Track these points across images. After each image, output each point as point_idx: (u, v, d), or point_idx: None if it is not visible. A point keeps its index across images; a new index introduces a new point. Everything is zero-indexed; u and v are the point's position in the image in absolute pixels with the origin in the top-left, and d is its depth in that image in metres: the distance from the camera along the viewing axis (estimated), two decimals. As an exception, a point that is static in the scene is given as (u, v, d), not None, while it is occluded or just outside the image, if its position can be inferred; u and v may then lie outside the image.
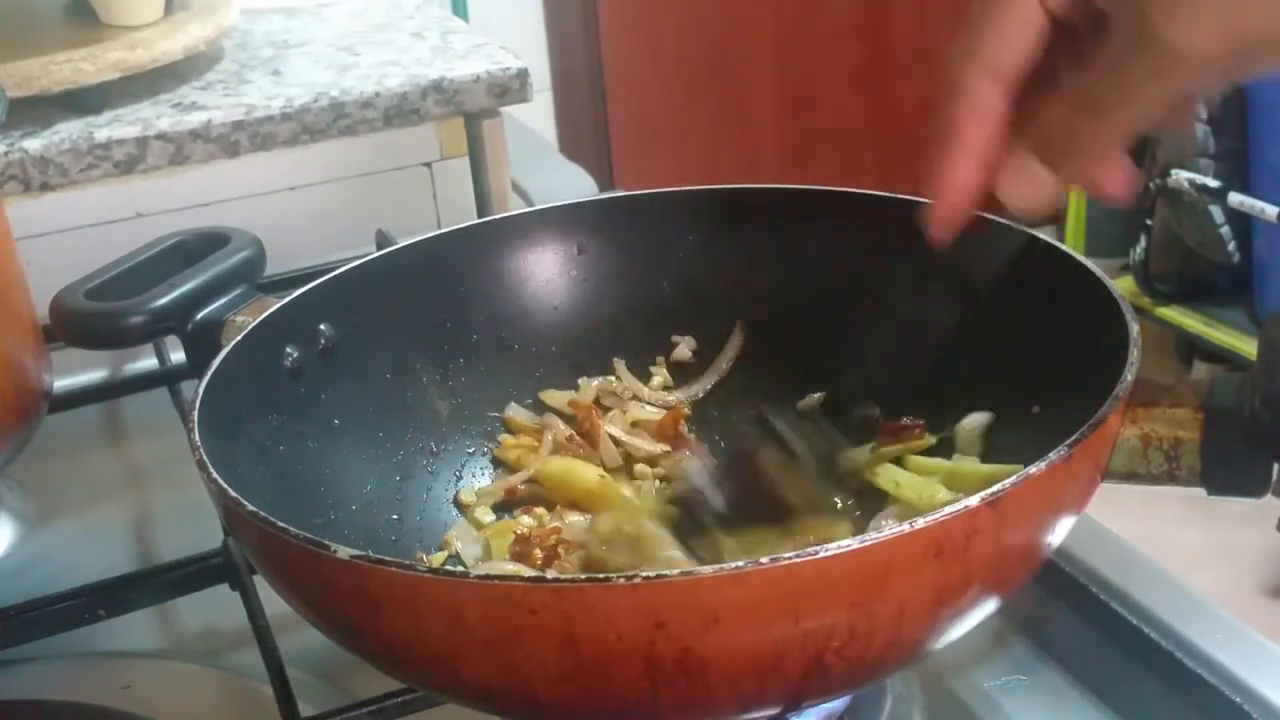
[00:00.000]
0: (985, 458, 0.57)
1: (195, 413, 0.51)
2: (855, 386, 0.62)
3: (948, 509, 0.39)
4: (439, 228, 0.66)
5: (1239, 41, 0.40)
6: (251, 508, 0.44)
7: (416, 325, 0.64)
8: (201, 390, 0.52)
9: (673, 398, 0.65)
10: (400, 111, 0.99)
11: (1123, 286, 2.36)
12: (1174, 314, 2.47)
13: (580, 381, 0.65)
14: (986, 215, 0.58)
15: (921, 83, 2.79)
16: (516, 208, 0.92)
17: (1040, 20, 0.44)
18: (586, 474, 0.61)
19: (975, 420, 0.57)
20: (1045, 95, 0.45)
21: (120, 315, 0.63)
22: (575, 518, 0.60)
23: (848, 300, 0.63)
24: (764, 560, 0.38)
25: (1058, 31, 0.45)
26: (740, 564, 0.38)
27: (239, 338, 0.57)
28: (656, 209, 0.66)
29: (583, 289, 0.66)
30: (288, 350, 0.59)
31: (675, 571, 0.38)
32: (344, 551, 0.41)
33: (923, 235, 0.49)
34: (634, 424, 0.64)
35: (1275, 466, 0.46)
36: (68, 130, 0.92)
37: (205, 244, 0.67)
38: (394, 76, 1.00)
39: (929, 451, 0.59)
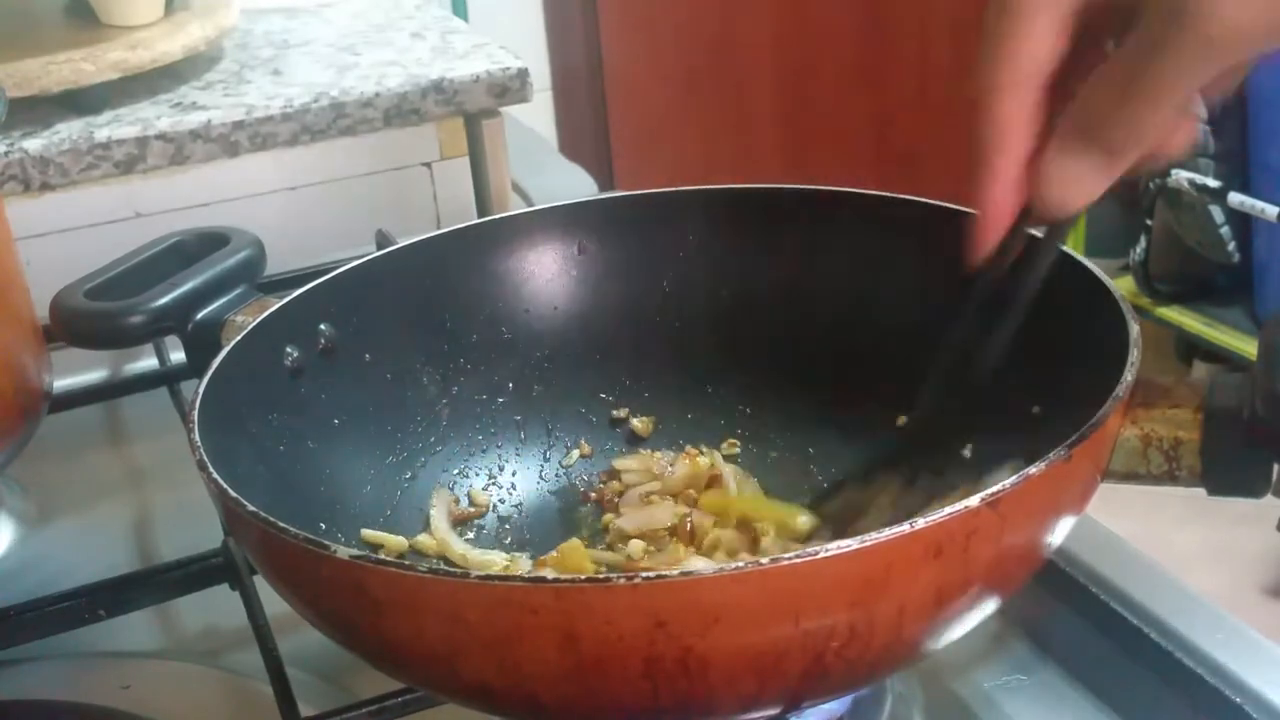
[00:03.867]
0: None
1: (195, 412, 0.51)
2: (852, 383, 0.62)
3: (947, 509, 0.39)
4: (439, 228, 0.66)
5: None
6: (252, 508, 0.44)
7: (416, 325, 0.64)
8: (201, 390, 0.52)
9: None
10: (400, 111, 0.99)
11: (1123, 286, 2.36)
12: (1174, 314, 2.47)
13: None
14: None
15: (921, 82, 2.79)
16: (516, 208, 0.92)
17: (1065, 20, 0.43)
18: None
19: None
20: (1077, 86, 0.44)
21: (120, 315, 0.63)
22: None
23: (847, 299, 0.63)
24: (764, 560, 0.38)
25: (1080, 27, 0.44)
26: (740, 564, 0.38)
27: (239, 338, 0.57)
28: (656, 209, 0.66)
29: (583, 289, 0.66)
30: (288, 350, 0.59)
31: (675, 571, 0.38)
32: (344, 551, 0.41)
33: (922, 235, 0.50)
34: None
35: (1275, 467, 0.46)
36: (68, 130, 0.92)
37: (205, 244, 0.67)
38: (394, 76, 1.00)
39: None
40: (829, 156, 2.83)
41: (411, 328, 0.63)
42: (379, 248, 0.72)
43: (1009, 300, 0.50)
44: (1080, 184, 0.45)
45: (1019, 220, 0.47)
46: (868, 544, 0.38)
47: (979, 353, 0.51)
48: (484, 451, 0.64)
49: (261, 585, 0.55)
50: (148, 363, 0.84)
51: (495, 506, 0.63)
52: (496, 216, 0.67)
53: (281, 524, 0.43)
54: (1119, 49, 0.42)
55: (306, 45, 1.10)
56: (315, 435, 0.58)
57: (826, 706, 0.51)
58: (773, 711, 0.43)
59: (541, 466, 0.65)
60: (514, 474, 0.65)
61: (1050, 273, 0.50)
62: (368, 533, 0.58)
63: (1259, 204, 2.22)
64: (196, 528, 0.64)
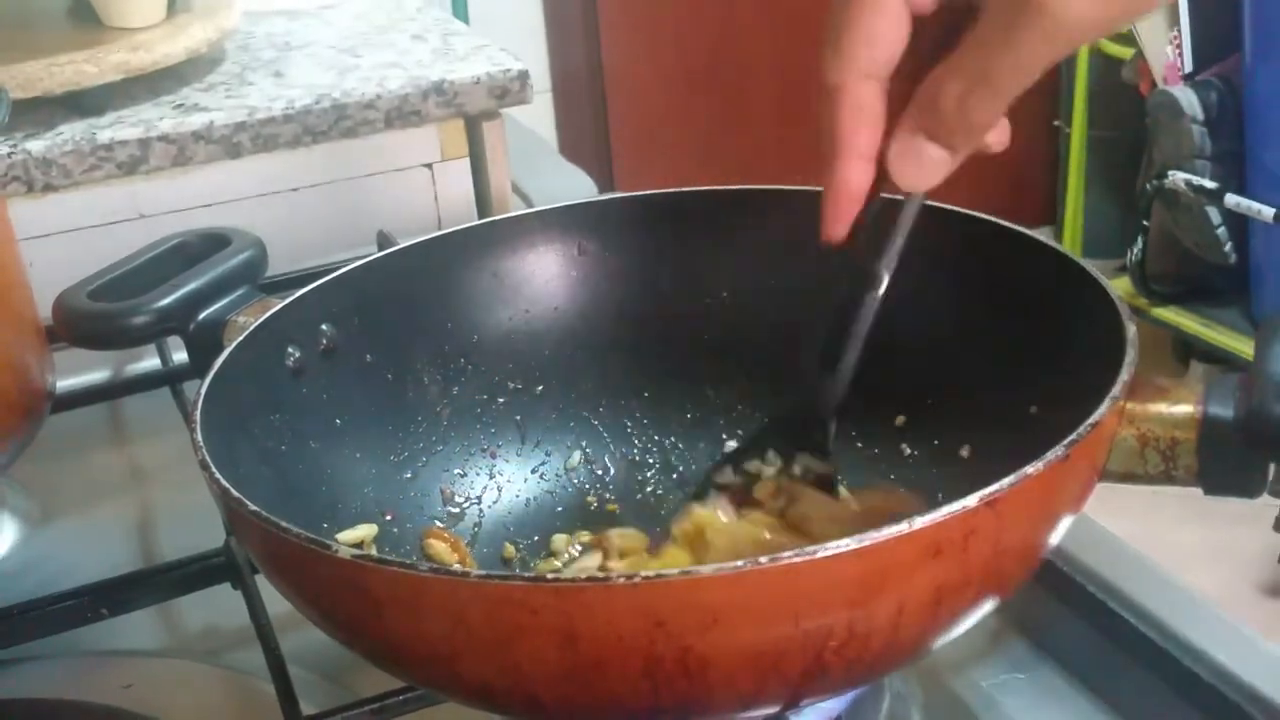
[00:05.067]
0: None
1: (198, 413, 0.51)
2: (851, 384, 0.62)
3: (946, 509, 0.39)
4: (440, 229, 0.66)
5: (1123, 6, 0.42)
6: (254, 508, 0.44)
7: (417, 326, 0.64)
8: (204, 390, 0.53)
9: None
10: (401, 113, 0.99)
11: (1120, 287, 2.35)
12: (1171, 314, 2.47)
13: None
14: (982, 215, 0.59)
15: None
16: (517, 209, 0.92)
17: (907, 14, 0.45)
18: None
19: None
20: (923, 76, 0.45)
21: (123, 315, 0.63)
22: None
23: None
24: (763, 560, 0.38)
25: (923, 20, 0.45)
26: (740, 564, 0.38)
27: (241, 338, 0.57)
28: (656, 209, 0.67)
29: (583, 290, 0.67)
30: (289, 350, 0.59)
31: (675, 571, 0.38)
32: (345, 551, 0.41)
33: (923, 235, 0.50)
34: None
35: (1272, 466, 0.46)
36: (70, 131, 0.92)
37: (207, 245, 0.67)
38: (395, 78, 1.00)
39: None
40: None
41: (412, 328, 0.64)
42: (380, 248, 0.72)
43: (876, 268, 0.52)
44: (930, 169, 0.46)
45: (870, 196, 0.48)
46: (867, 544, 0.38)
47: (846, 335, 0.54)
48: (484, 451, 0.65)
49: (263, 584, 0.56)
50: (150, 363, 0.85)
51: (495, 507, 0.64)
52: (497, 217, 0.67)
53: (283, 524, 0.43)
54: (963, 44, 0.44)
55: (308, 47, 1.10)
56: (317, 435, 0.58)
57: (825, 705, 0.51)
58: (772, 710, 0.44)
59: (542, 467, 0.66)
60: (514, 474, 0.65)
61: (1024, 260, 0.54)
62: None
63: (1256, 205, 2.22)
64: (198, 527, 0.65)
